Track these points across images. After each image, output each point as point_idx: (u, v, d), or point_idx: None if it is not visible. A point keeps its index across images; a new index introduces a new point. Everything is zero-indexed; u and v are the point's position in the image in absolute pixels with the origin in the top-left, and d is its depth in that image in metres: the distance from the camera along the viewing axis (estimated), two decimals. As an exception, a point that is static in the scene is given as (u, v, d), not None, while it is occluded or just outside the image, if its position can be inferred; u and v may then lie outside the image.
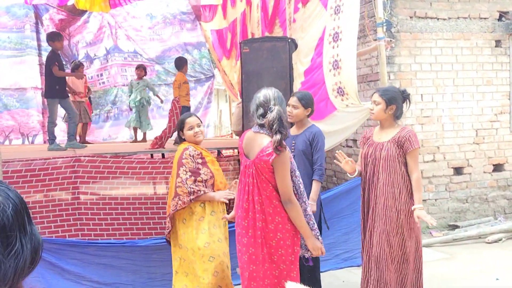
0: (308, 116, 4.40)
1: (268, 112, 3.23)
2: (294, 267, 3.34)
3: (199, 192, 3.89)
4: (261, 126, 3.29)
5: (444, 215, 7.12)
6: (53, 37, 7.72)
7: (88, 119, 9.51)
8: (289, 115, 4.27)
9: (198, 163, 3.99)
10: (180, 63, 8.50)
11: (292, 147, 4.25)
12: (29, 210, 1.11)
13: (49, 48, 11.09)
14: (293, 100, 4.33)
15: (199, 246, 3.89)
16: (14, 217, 1.04)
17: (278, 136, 3.14)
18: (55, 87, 7.43)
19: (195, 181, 3.94)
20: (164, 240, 4.61)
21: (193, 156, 3.98)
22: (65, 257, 4.62)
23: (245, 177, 3.34)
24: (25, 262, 1.06)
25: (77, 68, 9.38)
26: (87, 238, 5.79)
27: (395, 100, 3.88)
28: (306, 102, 4.33)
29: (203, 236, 3.91)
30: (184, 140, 4.11)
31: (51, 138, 7.55)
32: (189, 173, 3.94)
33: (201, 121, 4.21)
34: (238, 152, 3.53)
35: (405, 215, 3.80)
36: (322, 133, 4.37)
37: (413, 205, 3.77)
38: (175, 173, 4.01)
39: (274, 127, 3.16)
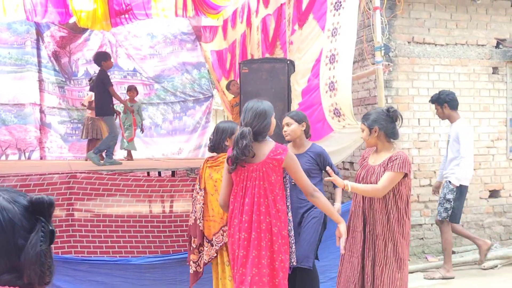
0: (306, 132, 4.46)
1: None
2: (286, 276, 3.40)
3: None
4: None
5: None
6: (102, 57, 7.82)
7: (101, 137, 9.44)
8: (285, 134, 4.41)
9: None
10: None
11: None
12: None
13: (49, 65, 11.25)
14: (285, 119, 4.44)
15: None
16: (48, 205, 1.27)
17: (234, 152, 3.35)
18: (109, 105, 7.68)
19: None
20: (158, 259, 4.59)
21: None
22: (58, 274, 4.57)
23: (250, 181, 3.40)
24: (41, 255, 1.23)
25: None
26: (80, 255, 5.73)
27: (375, 122, 3.76)
28: (299, 117, 4.43)
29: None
30: (226, 146, 4.04)
31: (111, 152, 7.61)
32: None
33: None
34: (228, 163, 3.53)
35: (394, 244, 3.68)
36: (325, 150, 4.46)
37: (401, 235, 3.69)
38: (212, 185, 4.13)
39: (233, 145, 3.38)
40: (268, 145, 3.44)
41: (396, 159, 3.66)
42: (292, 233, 3.58)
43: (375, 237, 3.73)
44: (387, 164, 3.69)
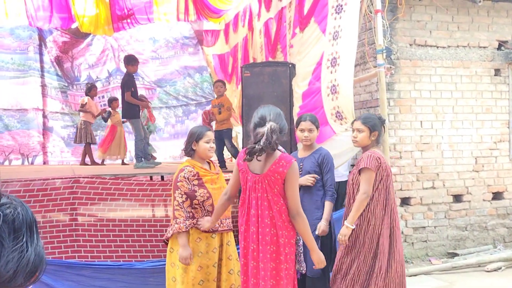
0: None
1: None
2: (290, 283, 3.40)
3: (196, 221, 3.90)
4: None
5: (443, 242, 7.08)
6: (128, 61, 7.85)
7: (94, 141, 9.47)
8: (305, 139, 4.38)
9: (194, 184, 3.91)
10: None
11: (300, 169, 4.27)
12: (38, 228, 1.22)
13: (52, 70, 11.29)
14: (308, 124, 4.38)
15: (192, 269, 3.86)
16: (23, 217, 1.16)
17: (257, 147, 3.24)
18: (135, 108, 7.72)
19: (191, 204, 3.90)
20: (161, 263, 4.59)
21: (188, 178, 3.92)
22: (62, 279, 4.58)
23: (255, 192, 3.39)
24: (27, 264, 1.13)
25: (90, 90, 9.50)
26: (84, 260, 5.74)
27: (377, 126, 4.09)
28: (318, 123, 4.49)
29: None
30: (193, 151, 4.03)
31: (140, 156, 7.65)
32: (184, 196, 3.89)
33: None
34: (238, 169, 3.54)
35: (361, 234, 3.95)
36: (331, 155, 4.43)
37: (368, 225, 3.93)
38: (172, 195, 4.00)
39: (257, 137, 3.28)
40: (273, 155, 3.36)
41: (361, 159, 3.99)
42: (301, 242, 3.60)
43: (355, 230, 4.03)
44: (357, 164, 4.03)
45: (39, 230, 1.22)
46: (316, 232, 4.19)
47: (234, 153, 7.68)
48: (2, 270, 1.09)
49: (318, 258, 3.43)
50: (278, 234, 3.34)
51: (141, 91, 11.72)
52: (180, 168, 4.04)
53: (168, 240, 4.06)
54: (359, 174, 3.95)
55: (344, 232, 3.91)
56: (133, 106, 7.67)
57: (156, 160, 8.41)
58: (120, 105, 8.46)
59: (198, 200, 3.89)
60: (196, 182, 3.93)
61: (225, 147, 7.89)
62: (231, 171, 6.97)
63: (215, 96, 8.25)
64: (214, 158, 6.39)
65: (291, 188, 3.34)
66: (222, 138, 7.68)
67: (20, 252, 1.12)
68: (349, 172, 4.15)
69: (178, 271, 3.92)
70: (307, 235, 3.39)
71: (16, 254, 1.11)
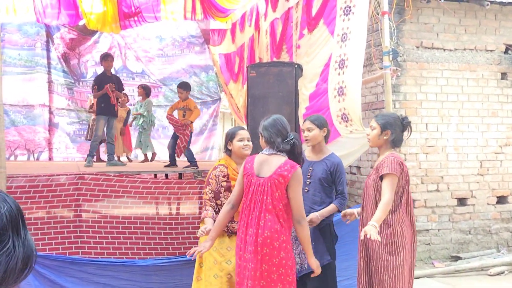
0: (326, 138, 4.38)
1: (288, 137, 3.49)
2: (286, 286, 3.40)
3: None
4: (279, 149, 3.46)
5: (447, 246, 7.07)
6: (102, 58, 8.46)
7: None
8: (306, 139, 4.31)
9: (221, 186, 4.02)
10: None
11: (309, 174, 4.21)
12: (24, 218, 1.17)
13: (59, 67, 11.34)
14: (307, 124, 4.33)
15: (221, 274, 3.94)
16: (8, 218, 1.11)
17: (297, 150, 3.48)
18: (100, 105, 8.08)
19: (216, 203, 4.03)
20: (164, 261, 4.61)
21: (218, 177, 4.03)
22: (65, 275, 4.59)
23: (257, 195, 3.43)
24: (17, 264, 1.11)
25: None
26: (87, 256, 5.76)
27: (391, 126, 3.83)
28: (320, 122, 4.32)
29: (229, 267, 3.95)
30: (230, 151, 4.11)
31: (91, 154, 7.99)
32: (212, 194, 4.03)
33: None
34: (244, 173, 3.57)
35: (377, 246, 3.73)
36: (342, 163, 4.36)
37: (386, 235, 3.71)
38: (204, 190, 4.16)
39: (296, 150, 3.47)
40: (278, 160, 3.45)
41: (383, 162, 3.74)
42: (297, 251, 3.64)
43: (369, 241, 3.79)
44: (377, 169, 3.78)
45: (25, 222, 1.18)
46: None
47: (188, 155, 7.65)
48: None
49: (316, 264, 3.54)
50: (273, 237, 3.34)
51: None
52: (215, 165, 4.15)
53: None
54: (381, 179, 3.74)
55: (371, 231, 3.71)
56: (99, 103, 8.10)
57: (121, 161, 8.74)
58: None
59: (221, 201, 3.96)
60: (224, 183, 4.02)
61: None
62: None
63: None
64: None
65: (294, 193, 3.40)
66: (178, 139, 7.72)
67: (8, 255, 1.10)
68: (368, 176, 4.00)
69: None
70: (307, 241, 3.47)
71: (4, 258, 1.09)
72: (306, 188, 4.17)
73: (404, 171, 3.75)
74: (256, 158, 3.56)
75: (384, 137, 3.83)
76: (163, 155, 9.84)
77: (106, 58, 8.46)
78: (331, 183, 4.26)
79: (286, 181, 3.35)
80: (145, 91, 9.59)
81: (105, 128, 8.14)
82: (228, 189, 3.99)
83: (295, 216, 3.41)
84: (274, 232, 3.35)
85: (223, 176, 4.03)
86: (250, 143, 4.14)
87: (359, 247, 3.97)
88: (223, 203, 3.90)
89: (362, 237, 3.58)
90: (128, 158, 9.81)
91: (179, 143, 7.58)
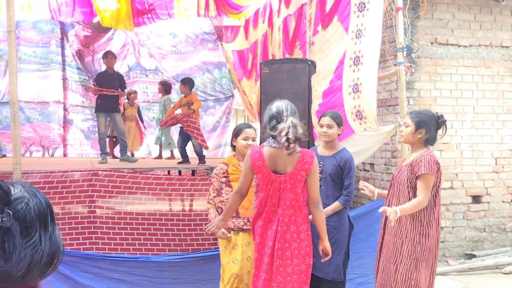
0: (339, 135, 4.39)
1: (281, 123, 3.32)
2: (308, 278, 3.47)
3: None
4: (274, 137, 3.34)
5: (461, 243, 7.02)
6: (103, 55, 8.52)
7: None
8: (324, 135, 4.29)
9: (221, 182, 4.10)
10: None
11: (320, 169, 4.16)
12: (54, 214, 1.20)
13: (73, 64, 11.43)
14: (327, 120, 4.28)
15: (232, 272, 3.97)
16: (36, 212, 1.14)
17: (283, 139, 3.24)
18: (97, 102, 8.13)
19: (220, 200, 4.10)
20: (177, 257, 4.64)
21: (218, 175, 4.13)
22: (79, 270, 4.63)
23: (280, 192, 3.41)
24: (42, 257, 1.13)
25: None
26: (101, 251, 5.81)
27: (425, 124, 3.77)
28: (339, 120, 4.32)
29: (235, 266, 3.97)
30: (235, 147, 4.16)
31: (103, 152, 8.05)
32: (216, 192, 4.11)
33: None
34: (256, 172, 3.50)
35: (410, 244, 3.68)
36: (353, 159, 4.35)
37: (422, 235, 3.67)
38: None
39: (282, 133, 3.25)
40: (295, 152, 3.35)
41: (420, 161, 3.67)
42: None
43: (392, 235, 3.77)
44: (413, 167, 3.71)
45: (54, 218, 1.20)
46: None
47: (199, 151, 7.67)
48: (13, 270, 1.09)
49: (328, 248, 3.55)
50: (299, 230, 3.38)
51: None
52: (220, 162, 4.25)
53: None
54: (417, 178, 3.67)
55: (392, 214, 3.53)
56: (97, 100, 8.16)
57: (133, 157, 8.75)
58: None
59: (223, 197, 4.00)
60: (223, 179, 4.09)
61: (189, 143, 8.02)
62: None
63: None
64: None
65: (314, 181, 3.43)
66: (188, 135, 7.72)
67: (33, 248, 1.11)
68: (399, 172, 3.92)
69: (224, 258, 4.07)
70: (324, 225, 3.53)
71: (29, 251, 1.10)
72: (319, 183, 4.16)
73: (439, 170, 3.71)
74: (265, 153, 3.43)
75: (418, 136, 3.79)
76: (176, 152, 9.86)
77: (106, 55, 8.50)
78: (341, 178, 4.25)
79: (307, 173, 3.38)
80: (164, 87, 9.63)
81: (106, 125, 8.21)
82: (228, 184, 4.08)
83: (313, 200, 3.44)
84: (298, 225, 3.40)
85: (222, 173, 4.11)
86: (255, 143, 4.14)
87: (379, 244, 3.95)
88: (225, 199, 4.02)
89: (380, 210, 3.64)
90: (132, 154, 9.79)
91: (192, 134, 7.59)
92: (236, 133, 4.13)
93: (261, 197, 3.49)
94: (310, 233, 3.48)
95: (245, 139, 4.07)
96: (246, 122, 13.67)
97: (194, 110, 7.70)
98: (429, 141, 3.83)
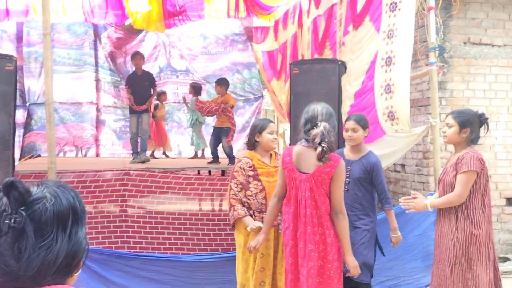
0: (365, 137, 4.38)
1: (315, 127, 3.30)
2: (341, 282, 3.42)
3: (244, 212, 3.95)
4: (307, 140, 3.35)
5: (495, 246, 6.87)
6: (131, 57, 8.63)
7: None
8: (349, 139, 4.27)
9: (248, 176, 4.03)
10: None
11: (347, 173, 4.12)
12: (81, 216, 1.19)
13: (106, 65, 11.62)
14: (351, 124, 4.27)
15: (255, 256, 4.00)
16: (54, 213, 1.13)
17: (319, 149, 3.23)
18: (131, 105, 8.19)
19: (245, 195, 4.01)
20: (207, 257, 4.68)
21: (244, 169, 4.04)
22: (111, 268, 4.71)
23: (301, 191, 3.40)
24: (56, 258, 1.12)
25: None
26: (133, 250, 5.90)
27: (470, 123, 3.74)
28: (364, 123, 4.31)
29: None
30: (257, 142, 4.11)
31: (134, 152, 8.14)
32: (240, 186, 4.02)
33: None
34: (284, 167, 3.53)
35: (462, 244, 3.62)
36: (380, 160, 4.32)
37: (473, 235, 3.61)
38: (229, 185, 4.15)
39: (315, 140, 3.24)
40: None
41: (463, 158, 3.63)
42: None
43: (443, 237, 3.72)
44: (456, 165, 3.66)
45: (81, 218, 1.20)
46: (393, 245, 4.33)
47: (229, 151, 7.67)
48: (21, 271, 1.09)
49: (353, 263, 3.44)
50: (325, 233, 3.35)
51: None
52: (239, 158, 4.19)
53: (234, 226, 4.17)
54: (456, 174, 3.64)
55: (417, 205, 3.61)
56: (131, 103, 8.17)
57: (147, 156, 8.70)
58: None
59: (251, 191, 3.97)
60: (251, 173, 4.03)
61: (220, 145, 8.00)
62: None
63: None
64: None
65: (336, 186, 3.36)
66: (220, 135, 7.79)
67: (47, 248, 1.11)
68: (444, 173, 3.88)
69: (239, 256, 4.08)
70: (345, 235, 3.41)
71: (42, 251, 1.10)
72: (346, 187, 4.13)
73: (484, 168, 3.65)
74: (294, 150, 3.48)
75: (463, 135, 3.74)
76: (208, 152, 9.93)
77: (135, 56, 8.57)
78: (369, 181, 4.24)
79: (329, 176, 3.33)
80: (194, 90, 9.68)
81: (137, 125, 8.27)
82: (256, 178, 4.02)
83: (334, 208, 3.38)
84: (326, 228, 3.36)
85: (249, 167, 4.05)
86: (278, 137, 4.17)
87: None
88: (254, 193, 3.97)
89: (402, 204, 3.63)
90: (152, 154, 9.85)
91: (229, 125, 7.65)
92: (261, 128, 4.09)
93: (288, 196, 3.51)
94: (338, 241, 3.41)
95: (271, 133, 4.07)
96: (276, 122, 13.67)
97: (233, 106, 7.79)
98: (474, 140, 3.78)
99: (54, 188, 1.18)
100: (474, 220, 3.62)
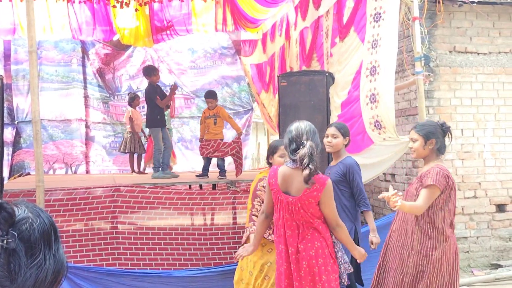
0: (346, 146, 4.45)
1: (301, 147, 3.29)
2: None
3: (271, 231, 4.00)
4: (294, 161, 3.33)
5: (486, 253, 6.90)
6: (149, 72, 8.08)
7: (143, 150, 9.51)
8: (328, 145, 4.36)
9: None
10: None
11: None
12: (58, 233, 1.20)
13: (94, 81, 11.59)
14: (332, 130, 4.39)
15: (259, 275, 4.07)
16: (40, 232, 1.15)
17: (306, 171, 3.23)
18: (157, 117, 7.83)
19: None
20: (200, 271, 4.64)
21: (265, 187, 4.10)
22: (102, 286, 4.68)
23: (289, 213, 3.37)
24: (46, 276, 1.14)
25: (133, 100, 9.51)
26: (124, 267, 5.85)
27: (433, 134, 3.78)
28: (345, 131, 4.41)
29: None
30: (271, 164, 4.17)
31: (157, 166, 7.82)
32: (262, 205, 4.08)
33: None
34: (269, 189, 3.53)
35: (416, 256, 3.67)
36: (356, 163, 4.39)
37: (427, 248, 3.65)
38: (250, 202, 4.20)
39: (304, 161, 3.23)
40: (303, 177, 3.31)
41: (429, 173, 3.67)
42: (340, 254, 3.51)
43: (399, 246, 3.80)
44: (421, 179, 3.72)
45: (58, 236, 1.21)
46: (373, 246, 4.31)
47: (221, 164, 7.63)
48: (20, 285, 1.09)
49: (360, 253, 3.56)
50: (318, 253, 3.33)
51: (180, 101, 11.88)
52: (259, 177, 4.25)
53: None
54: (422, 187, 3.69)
55: (396, 202, 3.50)
56: (154, 115, 7.80)
57: (173, 171, 8.52)
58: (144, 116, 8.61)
59: None
60: None
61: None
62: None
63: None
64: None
65: (327, 206, 3.35)
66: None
67: (38, 267, 1.12)
68: (410, 184, 3.94)
69: (245, 275, 4.14)
70: (348, 241, 3.50)
71: (34, 271, 1.12)
72: None
73: (448, 184, 3.66)
74: (280, 171, 3.43)
75: (429, 147, 3.78)
76: (198, 166, 9.89)
77: (156, 72, 8.24)
78: (346, 184, 4.32)
79: (316, 200, 3.30)
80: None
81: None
82: None
83: (330, 225, 3.40)
84: (307, 241, 3.34)
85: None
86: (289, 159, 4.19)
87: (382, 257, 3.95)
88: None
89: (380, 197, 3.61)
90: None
91: (234, 157, 7.60)
92: (272, 151, 4.19)
93: (275, 218, 3.50)
94: (321, 253, 3.37)
95: (282, 156, 4.10)
96: (266, 135, 13.68)
97: (242, 133, 7.74)
98: (441, 149, 3.83)
99: (32, 208, 1.19)
100: (433, 235, 3.66)
